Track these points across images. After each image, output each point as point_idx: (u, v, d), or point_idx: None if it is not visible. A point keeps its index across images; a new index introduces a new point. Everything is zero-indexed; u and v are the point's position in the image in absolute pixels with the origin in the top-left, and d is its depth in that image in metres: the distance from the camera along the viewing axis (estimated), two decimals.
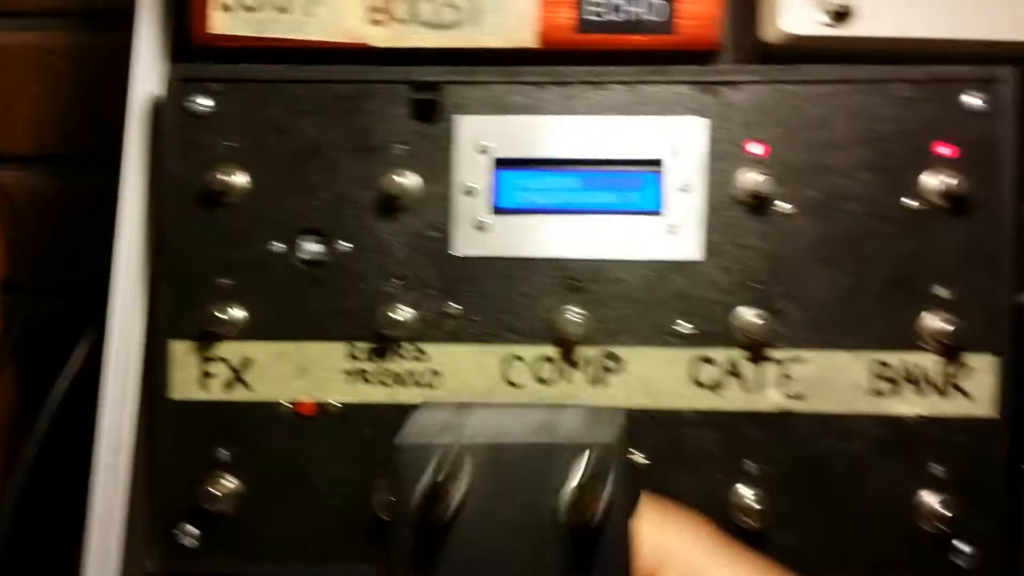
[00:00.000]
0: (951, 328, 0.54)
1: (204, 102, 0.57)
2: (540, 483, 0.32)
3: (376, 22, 0.57)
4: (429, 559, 0.31)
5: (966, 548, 0.55)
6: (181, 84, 0.57)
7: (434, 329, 0.56)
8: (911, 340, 0.55)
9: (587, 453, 0.31)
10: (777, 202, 0.55)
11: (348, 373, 0.57)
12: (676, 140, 0.56)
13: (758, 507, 0.54)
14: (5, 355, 0.80)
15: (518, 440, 0.33)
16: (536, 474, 0.32)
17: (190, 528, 0.57)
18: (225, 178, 0.56)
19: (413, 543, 0.32)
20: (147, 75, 0.59)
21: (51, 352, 0.90)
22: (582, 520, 0.31)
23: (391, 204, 0.56)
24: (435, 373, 0.56)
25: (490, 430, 0.34)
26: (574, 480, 0.31)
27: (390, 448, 0.55)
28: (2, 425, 0.82)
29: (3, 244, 0.87)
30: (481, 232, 0.56)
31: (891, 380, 0.55)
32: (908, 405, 0.55)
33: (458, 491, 0.32)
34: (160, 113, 0.58)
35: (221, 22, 0.57)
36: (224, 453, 0.57)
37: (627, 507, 0.32)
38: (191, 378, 0.57)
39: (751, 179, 0.54)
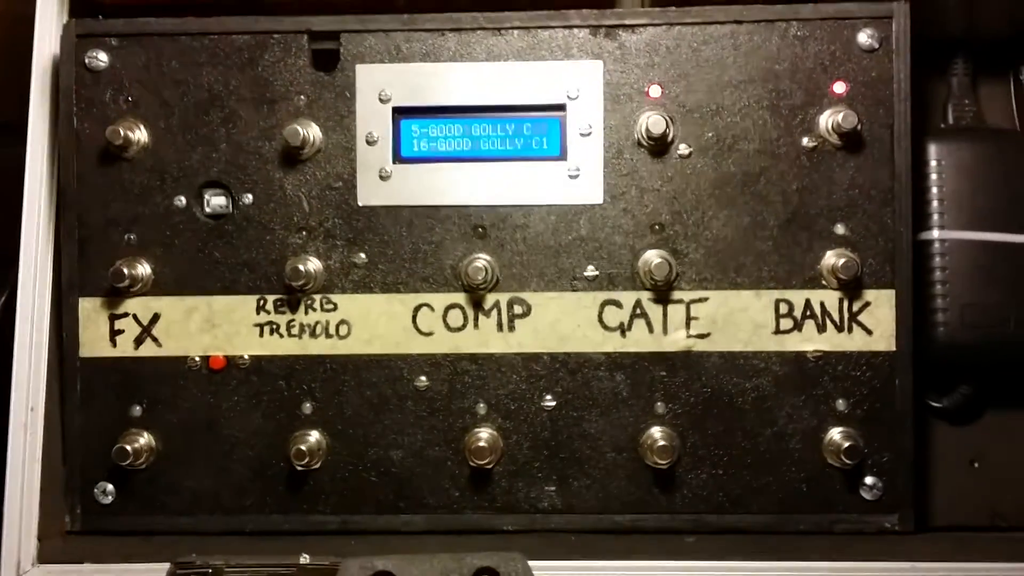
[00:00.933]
0: (850, 265, 0.54)
1: (102, 57, 0.57)
2: None
3: None
4: None
5: (871, 480, 0.56)
6: (78, 40, 0.57)
7: (342, 280, 0.57)
8: (812, 277, 0.56)
9: None
10: (676, 144, 0.56)
11: (258, 326, 0.57)
12: (575, 85, 0.56)
13: (668, 446, 0.55)
14: None
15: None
16: None
17: (107, 485, 0.57)
18: (125, 133, 0.55)
19: None
20: (48, 34, 0.59)
21: None
22: None
23: (294, 155, 0.56)
24: (344, 323, 0.57)
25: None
26: None
27: (307, 395, 0.56)
28: None
29: None
30: (385, 181, 0.56)
31: (793, 317, 0.56)
32: (810, 342, 0.56)
33: None
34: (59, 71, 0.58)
35: None
36: (136, 409, 0.57)
37: None
38: (100, 335, 0.57)
39: (649, 121, 0.55)
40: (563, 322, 0.56)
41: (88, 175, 0.57)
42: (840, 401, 0.56)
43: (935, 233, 0.57)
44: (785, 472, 0.56)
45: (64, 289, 0.57)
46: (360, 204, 0.56)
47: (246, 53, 0.56)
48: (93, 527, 0.57)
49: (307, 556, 0.51)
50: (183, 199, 0.57)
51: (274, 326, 0.57)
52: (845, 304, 0.56)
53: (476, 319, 0.57)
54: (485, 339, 0.57)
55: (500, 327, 0.56)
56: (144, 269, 0.56)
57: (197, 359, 0.57)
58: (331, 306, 0.57)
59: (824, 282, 0.56)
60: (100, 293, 0.57)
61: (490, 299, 0.56)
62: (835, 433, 0.56)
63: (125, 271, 0.55)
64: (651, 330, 0.56)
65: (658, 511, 0.56)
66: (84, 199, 0.57)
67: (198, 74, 0.56)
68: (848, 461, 0.55)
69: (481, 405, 0.56)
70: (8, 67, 0.85)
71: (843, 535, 0.56)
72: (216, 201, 0.57)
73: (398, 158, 0.56)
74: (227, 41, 0.56)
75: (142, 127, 0.56)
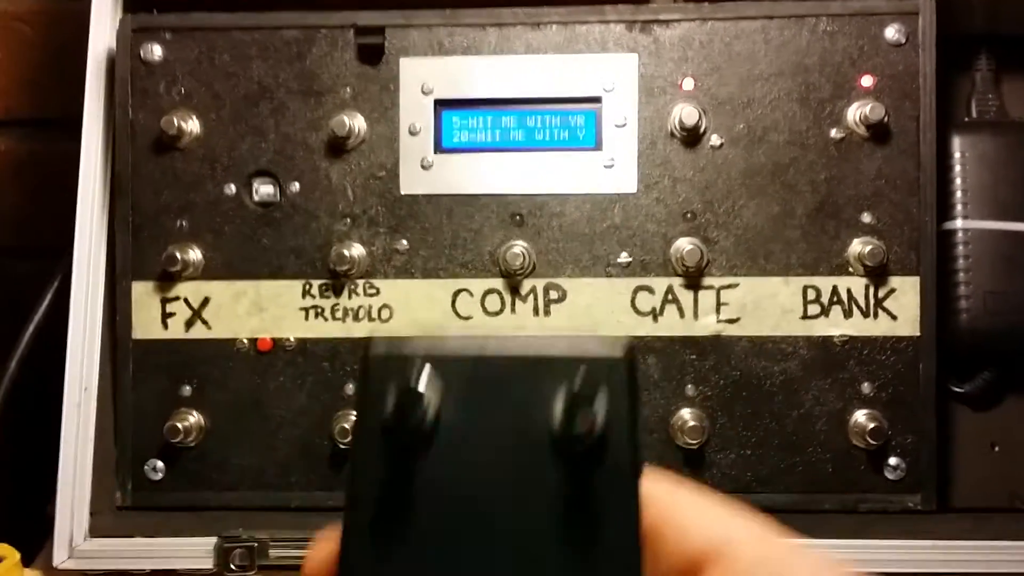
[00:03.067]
0: (876, 252, 0.56)
1: (156, 51, 0.59)
2: (530, 396, 0.27)
3: None
4: (396, 478, 0.27)
5: (895, 461, 0.57)
6: (134, 34, 0.59)
7: (384, 265, 0.59)
8: (839, 264, 0.58)
9: (587, 363, 0.26)
10: (708, 135, 0.58)
11: (303, 310, 0.59)
12: (611, 78, 0.58)
13: (698, 427, 0.57)
14: None
15: (506, 353, 0.28)
16: (526, 387, 0.27)
17: (157, 462, 0.59)
18: (178, 123, 0.58)
19: (379, 459, 0.27)
20: (103, 29, 0.61)
21: (18, 310, 0.92)
22: (579, 435, 0.26)
23: (339, 145, 0.58)
24: (387, 307, 0.59)
25: (473, 347, 0.29)
26: (571, 389, 0.26)
27: (350, 376, 0.58)
28: None
29: None
30: (426, 171, 0.59)
31: (820, 303, 0.58)
32: (837, 327, 0.58)
33: (433, 404, 0.27)
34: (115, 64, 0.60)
35: None
36: (186, 389, 0.59)
37: (633, 427, 0.27)
38: (152, 318, 0.59)
39: (682, 113, 0.57)
40: (597, 307, 0.58)
41: (142, 164, 0.59)
42: (865, 384, 0.58)
43: (959, 223, 0.59)
44: (811, 453, 0.58)
45: (118, 273, 0.59)
46: (402, 193, 0.59)
47: (295, 47, 0.59)
48: (143, 503, 0.60)
49: None
50: (233, 187, 0.59)
51: (319, 310, 0.59)
52: (871, 290, 0.58)
53: (513, 304, 0.59)
54: (522, 323, 0.59)
55: (536, 312, 0.58)
56: (195, 254, 0.59)
57: (245, 341, 0.59)
58: (374, 291, 0.59)
59: (851, 269, 0.58)
60: (153, 277, 0.59)
61: (527, 284, 0.59)
62: (860, 415, 0.57)
63: (178, 256, 0.58)
64: (682, 315, 0.58)
65: None
66: (138, 187, 0.59)
67: (248, 67, 0.59)
68: (873, 442, 0.57)
69: None
70: (55, 64, 0.88)
71: (867, 514, 0.58)
72: (264, 189, 0.59)
73: (439, 148, 0.59)
74: (276, 35, 0.59)
75: (194, 118, 0.59)
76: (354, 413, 0.58)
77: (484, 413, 0.27)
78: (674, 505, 0.28)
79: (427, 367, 0.26)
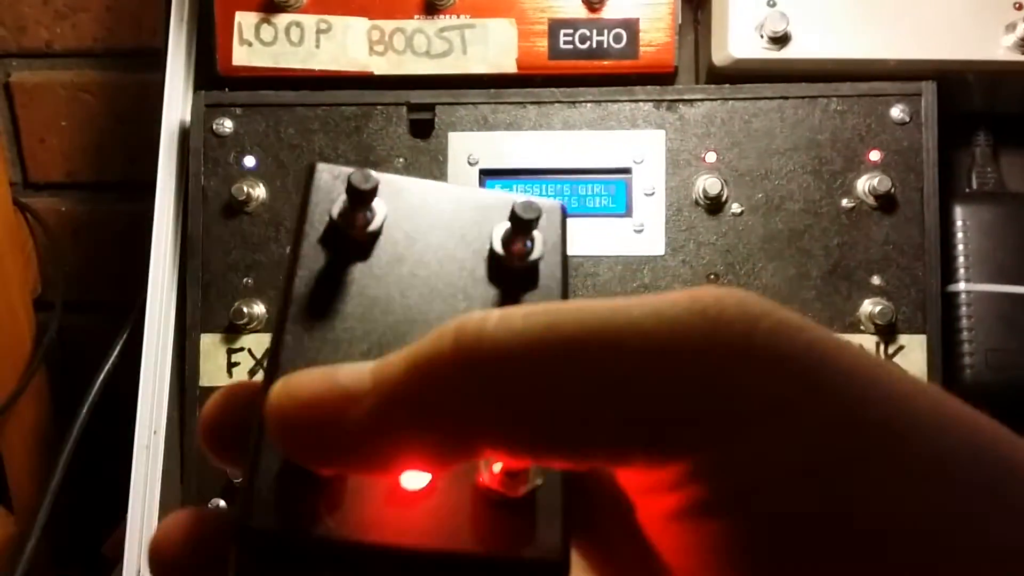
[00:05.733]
0: (886, 312, 0.61)
1: (227, 124, 0.65)
2: (472, 223, 0.28)
3: (377, 53, 0.65)
4: (335, 276, 0.26)
5: None
6: (207, 109, 0.65)
7: None
8: (851, 323, 0.62)
9: (531, 203, 0.27)
10: (729, 203, 0.63)
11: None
12: (640, 151, 0.64)
13: None
14: (37, 366, 0.87)
15: (455, 189, 0.29)
16: (469, 216, 0.28)
17: (219, 501, 0.64)
18: (247, 190, 0.64)
19: (320, 257, 0.26)
20: (176, 103, 0.67)
21: (79, 362, 0.98)
22: (516, 253, 0.27)
23: None
24: None
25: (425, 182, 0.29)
26: (514, 216, 0.26)
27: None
28: (34, 431, 0.90)
29: (36, 265, 0.95)
30: None
31: None
32: None
33: (380, 211, 0.27)
34: (188, 136, 0.66)
35: (242, 55, 0.66)
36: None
37: (563, 262, 0.28)
38: (219, 367, 0.64)
39: (706, 183, 0.62)
40: None
41: (212, 226, 0.65)
42: None
43: (962, 285, 0.64)
44: None
45: (188, 326, 0.64)
46: None
47: (353, 122, 0.64)
48: None
49: None
50: None
51: None
52: (881, 347, 0.62)
53: None
54: None
55: None
56: (259, 309, 0.64)
57: None
58: None
59: (862, 327, 0.62)
60: (220, 330, 0.64)
61: None
62: None
63: (244, 310, 0.63)
64: None
65: None
66: (208, 247, 0.65)
67: (311, 139, 0.65)
68: None
69: None
70: (116, 132, 0.95)
71: None
72: None
73: None
74: (336, 111, 0.65)
75: (261, 185, 0.65)
76: None
77: (427, 229, 0.28)
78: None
79: (375, 174, 0.26)
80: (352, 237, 0.27)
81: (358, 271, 0.27)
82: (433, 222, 0.28)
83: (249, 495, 0.23)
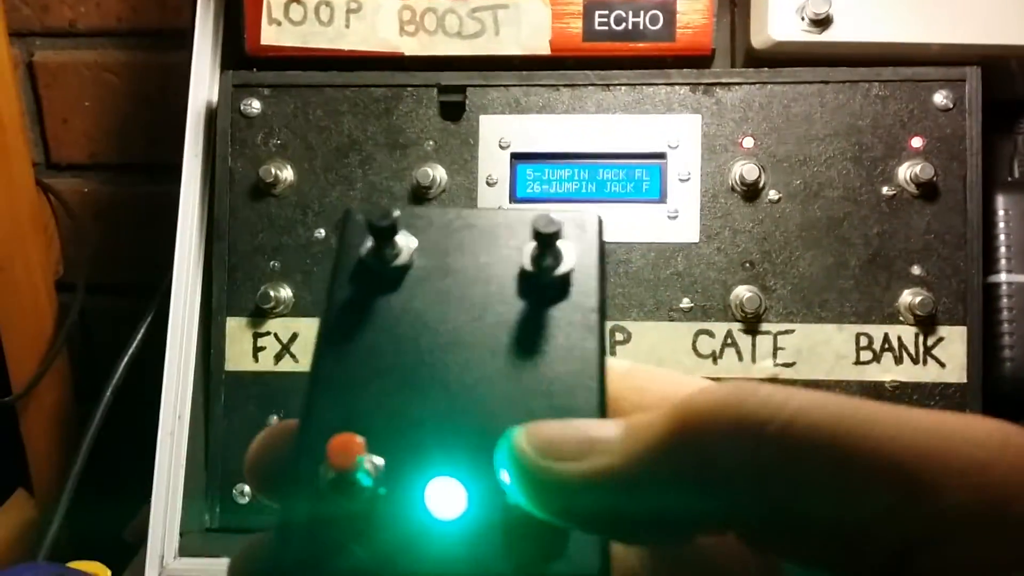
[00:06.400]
0: (926, 303, 0.60)
1: (255, 105, 0.64)
2: (502, 246, 0.28)
3: (408, 33, 0.64)
4: (369, 307, 0.27)
5: None
6: (234, 90, 0.64)
7: None
8: (890, 313, 0.61)
9: (561, 219, 0.27)
10: (766, 190, 0.62)
11: None
12: (675, 136, 0.62)
13: None
14: (59, 348, 0.86)
15: (482, 215, 0.29)
16: (498, 240, 0.28)
17: (244, 487, 0.63)
18: (274, 172, 0.63)
19: (354, 291, 0.27)
20: (203, 83, 0.66)
21: (101, 344, 0.97)
22: (546, 267, 0.27)
23: (422, 194, 0.63)
24: None
25: (451, 211, 0.30)
26: (543, 231, 0.26)
27: None
28: (55, 414, 0.89)
29: (59, 246, 0.94)
30: None
31: (872, 350, 0.61)
32: (888, 373, 0.61)
33: (408, 244, 0.28)
34: (215, 116, 0.65)
35: (270, 34, 0.64)
36: (274, 418, 0.63)
37: (600, 274, 0.28)
38: (244, 351, 0.64)
39: (743, 169, 0.61)
40: (660, 349, 0.62)
41: (239, 209, 0.64)
42: None
43: (1003, 276, 0.62)
44: None
45: (214, 309, 0.64)
46: None
47: (383, 104, 0.63)
48: (230, 525, 0.63)
49: None
50: (322, 231, 0.63)
51: None
52: (920, 339, 0.61)
53: None
54: None
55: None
56: (287, 292, 0.63)
57: None
58: None
59: (901, 318, 0.61)
60: (246, 314, 0.64)
61: None
62: None
63: (270, 294, 0.62)
64: (740, 358, 0.62)
65: None
66: (234, 230, 0.64)
67: (340, 121, 0.64)
68: None
69: None
70: (139, 113, 0.94)
71: None
72: None
73: (514, 198, 0.63)
74: (366, 93, 0.63)
75: (289, 167, 0.64)
76: None
77: (457, 256, 0.28)
78: (634, 373, 0.28)
79: (398, 212, 0.27)
80: (380, 273, 0.28)
81: (389, 304, 0.27)
82: (462, 248, 0.28)
83: (283, 532, 0.23)
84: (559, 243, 0.27)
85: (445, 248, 0.28)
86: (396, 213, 0.27)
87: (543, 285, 0.27)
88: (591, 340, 0.27)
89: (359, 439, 0.23)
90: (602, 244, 0.29)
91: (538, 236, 0.27)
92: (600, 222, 0.29)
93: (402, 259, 0.28)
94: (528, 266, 0.27)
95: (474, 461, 0.24)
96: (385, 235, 0.27)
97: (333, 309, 0.27)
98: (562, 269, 0.27)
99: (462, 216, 0.29)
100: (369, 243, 0.28)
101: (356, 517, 0.23)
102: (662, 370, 0.29)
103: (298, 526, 0.23)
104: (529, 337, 0.27)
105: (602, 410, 0.26)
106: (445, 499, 0.24)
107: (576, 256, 0.28)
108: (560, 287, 0.27)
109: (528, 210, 0.31)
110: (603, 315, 0.27)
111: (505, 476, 0.23)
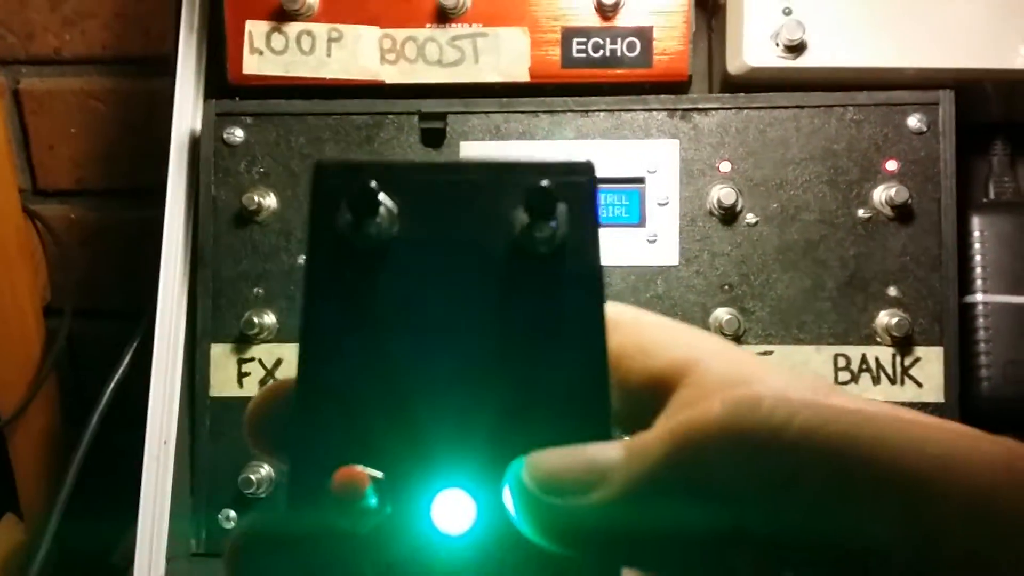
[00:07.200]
0: (902, 324, 0.60)
1: (238, 133, 0.65)
2: (490, 205, 0.25)
3: (389, 61, 0.65)
4: (354, 287, 0.25)
5: None
6: (217, 118, 0.65)
7: None
8: (867, 335, 0.62)
9: (550, 172, 0.24)
10: (744, 213, 0.62)
11: None
12: (654, 160, 0.63)
13: None
14: (47, 374, 0.87)
15: (466, 161, 0.27)
16: (485, 197, 0.25)
17: (230, 511, 0.63)
18: (257, 199, 0.63)
19: (336, 269, 0.25)
20: (186, 111, 0.67)
21: (89, 370, 0.98)
22: (541, 237, 0.25)
23: None
24: None
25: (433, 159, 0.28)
26: (535, 191, 0.24)
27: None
28: (43, 439, 0.89)
29: (46, 273, 0.95)
30: None
31: (850, 370, 0.62)
32: (866, 393, 0.62)
33: (390, 210, 0.25)
34: (198, 145, 0.66)
35: (252, 64, 0.65)
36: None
37: (595, 238, 0.25)
38: (229, 377, 0.64)
39: (720, 193, 0.62)
40: None
41: (222, 236, 0.64)
42: None
43: (979, 296, 0.63)
44: None
45: (199, 335, 0.64)
46: None
47: (364, 131, 0.64)
48: (216, 550, 0.64)
49: None
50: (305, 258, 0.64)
51: None
52: (898, 359, 0.62)
53: None
54: None
55: None
56: (270, 319, 0.64)
57: None
58: None
59: (878, 339, 0.62)
60: (230, 340, 0.64)
61: None
62: None
63: (254, 320, 0.63)
64: None
65: None
66: (218, 257, 0.64)
67: (322, 148, 0.64)
68: None
69: None
70: (125, 139, 0.94)
71: None
72: None
73: None
74: (348, 120, 0.64)
75: (272, 194, 0.64)
76: None
77: (443, 221, 0.26)
78: (639, 327, 0.27)
79: (375, 182, 0.24)
80: (361, 250, 0.25)
81: (374, 291, 0.25)
82: (447, 216, 0.26)
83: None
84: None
85: (428, 215, 0.25)
86: (373, 184, 0.24)
87: (537, 259, 0.25)
88: (595, 332, 0.25)
89: (362, 471, 0.22)
90: (595, 199, 0.26)
91: (529, 208, 0.24)
92: (593, 174, 0.26)
93: (384, 232, 0.25)
94: (519, 238, 0.25)
95: (480, 473, 0.23)
96: (365, 209, 0.24)
97: (315, 297, 0.25)
98: (558, 239, 0.25)
99: (444, 171, 0.26)
100: (347, 215, 0.25)
101: (361, 536, 0.23)
102: (668, 323, 0.27)
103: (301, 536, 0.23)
104: (529, 329, 0.25)
105: (609, 423, 0.24)
106: (452, 513, 0.23)
107: (570, 223, 0.25)
108: (556, 262, 0.25)
109: (511, 158, 0.28)
110: (603, 295, 0.25)
111: (510, 505, 0.23)
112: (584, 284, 0.25)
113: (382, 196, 0.25)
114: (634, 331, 0.27)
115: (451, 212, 0.26)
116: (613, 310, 0.26)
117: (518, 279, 0.25)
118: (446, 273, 0.25)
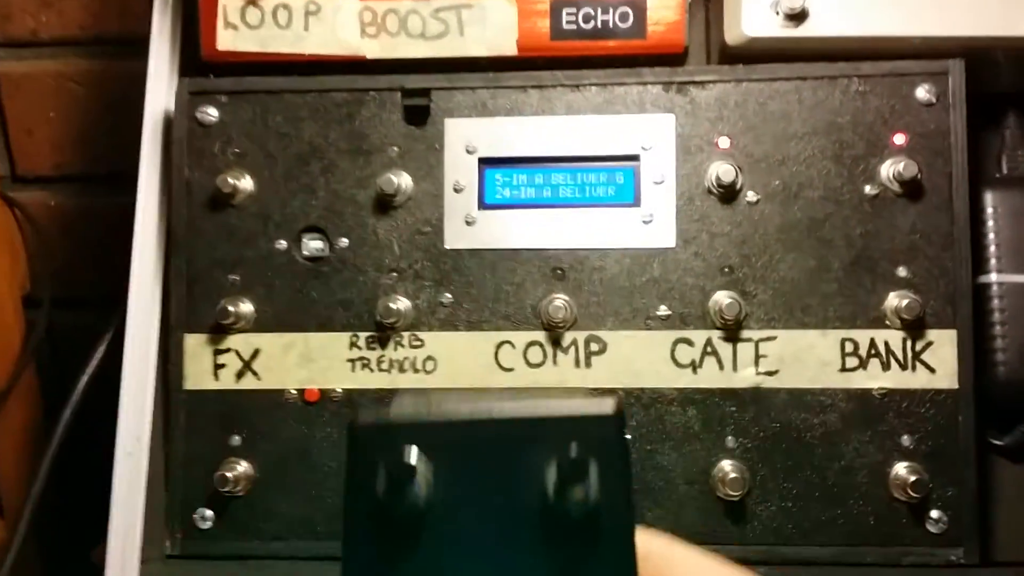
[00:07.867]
0: (913, 306, 0.57)
1: (212, 112, 0.61)
2: (521, 464, 0.26)
3: (370, 35, 0.61)
4: (390, 557, 0.26)
5: (937, 514, 0.58)
6: (191, 97, 0.62)
7: (429, 318, 0.60)
8: (876, 318, 0.59)
9: (577, 429, 0.26)
10: (744, 191, 0.59)
11: (350, 361, 0.61)
12: (649, 136, 0.60)
13: (739, 479, 0.57)
14: (25, 365, 0.84)
15: (497, 416, 0.27)
16: (516, 455, 0.26)
17: (206, 511, 0.61)
18: (232, 182, 0.60)
19: (372, 538, 0.26)
20: (160, 91, 0.64)
21: (69, 361, 0.95)
22: (573, 505, 0.26)
23: (386, 202, 0.60)
24: (431, 359, 0.60)
25: (464, 410, 0.28)
26: (565, 456, 0.25)
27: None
28: (23, 432, 0.87)
29: (25, 261, 0.92)
30: (470, 227, 0.60)
31: (858, 356, 0.59)
32: (875, 379, 0.59)
33: (424, 479, 0.26)
34: (172, 125, 0.62)
35: (227, 40, 0.62)
36: (236, 439, 0.61)
37: (627, 489, 0.26)
38: (204, 369, 0.61)
39: (719, 170, 0.58)
40: (637, 359, 0.59)
41: (197, 221, 0.61)
42: (905, 437, 0.58)
43: (993, 276, 0.60)
44: (853, 506, 0.58)
45: (172, 325, 0.61)
46: (447, 248, 0.60)
47: (344, 109, 0.61)
48: (192, 551, 0.61)
49: None
50: (284, 243, 0.61)
51: (365, 361, 0.61)
52: (908, 343, 0.58)
53: (555, 356, 0.60)
54: (563, 375, 0.60)
55: (578, 364, 0.60)
56: (247, 307, 0.61)
57: (294, 392, 0.61)
58: (419, 343, 0.60)
59: (888, 322, 0.58)
60: (205, 330, 0.61)
61: (568, 337, 0.60)
62: (901, 468, 0.58)
63: (230, 309, 0.60)
64: (721, 367, 0.59)
65: (728, 542, 0.58)
66: (192, 243, 0.61)
67: (300, 128, 0.61)
68: (914, 495, 0.57)
69: None
70: (104, 123, 0.91)
71: (910, 567, 0.58)
72: (314, 245, 0.61)
73: (483, 205, 0.60)
74: (327, 98, 0.61)
75: (248, 176, 0.61)
76: None
77: (474, 485, 0.27)
78: (671, 561, 0.28)
79: (415, 454, 0.26)
80: (398, 516, 0.26)
81: (411, 546, 0.26)
82: (479, 470, 0.27)
83: None
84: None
85: (462, 476, 0.27)
86: (413, 460, 0.25)
87: (571, 517, 0.26)
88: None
89: None
90: (626, 454, 0.27)
91: (561, 477, 0.26)
92: (622, 426, 0.27)
93: (419, 496, 0.26)
94: (551, 498, 0.26)
95: None
96: (404, 478, 0.26)
97: (352, 564, 0.27)
98: (591, 501, 0.26)
99: (475, 427, 0.27)
100: (384, 482, 0.26)
101: None
102: (697, 558, 0.28)
103: None
104: None
105: None
106: None
107: (602, 482, 0.26)
108: (589, 523, 0.26)
109: (540, 411, 0.28)
110: (634, 547, 0.26)
111: None
112: (616, 540, 0.26)
113: (416, 460, 0.26)
114: (664, 566, 0.28)
115: (484, 473, 0.27)
116: (644, 541, 0.27)
117: (552, 544, 0.26)
118: (481, 540, 0.27)
